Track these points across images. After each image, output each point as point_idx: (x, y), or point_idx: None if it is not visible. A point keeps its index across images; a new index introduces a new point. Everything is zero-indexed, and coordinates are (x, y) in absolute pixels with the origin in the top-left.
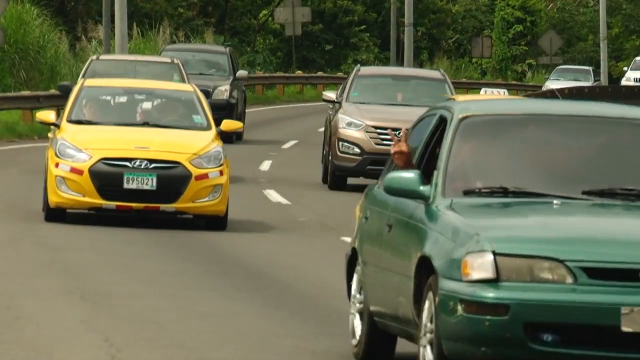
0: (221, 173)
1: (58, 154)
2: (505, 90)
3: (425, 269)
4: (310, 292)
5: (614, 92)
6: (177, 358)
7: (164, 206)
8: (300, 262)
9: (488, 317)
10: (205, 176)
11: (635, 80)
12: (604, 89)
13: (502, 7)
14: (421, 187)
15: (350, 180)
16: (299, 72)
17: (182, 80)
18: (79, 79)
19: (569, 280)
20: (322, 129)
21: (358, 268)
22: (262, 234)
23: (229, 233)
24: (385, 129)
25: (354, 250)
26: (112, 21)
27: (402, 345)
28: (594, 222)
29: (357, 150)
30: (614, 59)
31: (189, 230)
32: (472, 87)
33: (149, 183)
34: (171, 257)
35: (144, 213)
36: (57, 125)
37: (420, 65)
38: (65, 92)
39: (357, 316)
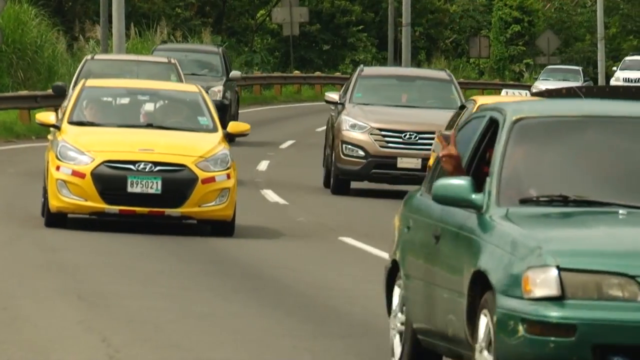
0: (228, 176)
1: (59, 157)
2: (527, 92)
3: (479, 285)
4: (308, 292)
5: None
6: (174, 358)
7: (169, 211)
8: (298, 262)
9: (553, 339)
10: (212, 180)
11: (625, 80)
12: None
13: (499, 7)
14: (473, 195)
15: (354, 185)
16: (296, 72)
17: (180, 81)
18: (74, 79)
19: None
20: (320, 129)
21: (400, 282)
22: (260, 234)
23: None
24: (391, 131)
25: (394, 262)
26: (110, 21)
27: None
28: None
29: (361, 153)
30: (612, 59)
31: (187, 232)
32: (469, 88)
33: (154, 187)
34: (168, 257)
35: (148, 218)
36: (58, 127)
37: (418, 65)
38: (60, 92)
39: (398, 336)
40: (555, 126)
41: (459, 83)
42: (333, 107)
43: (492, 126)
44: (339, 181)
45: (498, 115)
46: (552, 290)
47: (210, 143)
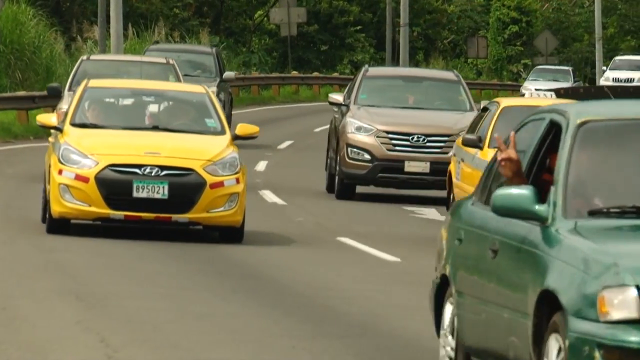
0: (237, 181)
1: (61, 160)
2: (553, 93)
3: (547, 305)
4: (306, 292)
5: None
6: (173, 358)
7: (176, 216)
8: (297, 262)
9: None
10: (220, 184)
11: (614, 80)
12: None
13: (497, 7)
14: (537, 207)
15: (359, 189)
16: (294, 73)
17: (178, 82)
18: (69, 79)
19: None
20: (318, 130)
21: (452, 299)
22: (258, 235)
23: None
24: (398, 133)
25: (443, 277)
26: (108, 21)
27: None
28: None
29: (367, 156)
30: (610, 59)
31: (187, 235)
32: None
33: (160, 191)
34: (166, 258)
35: (154, 224)
36: (59, 129)
37: (416, 65)
38: (55, 93)
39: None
40: (624, 129)
41: None
42: (336, 109)
43: (553, 129)
44: (344, 186)
45: (560, 118)
46: (632, 313)
47: (218, 146)
